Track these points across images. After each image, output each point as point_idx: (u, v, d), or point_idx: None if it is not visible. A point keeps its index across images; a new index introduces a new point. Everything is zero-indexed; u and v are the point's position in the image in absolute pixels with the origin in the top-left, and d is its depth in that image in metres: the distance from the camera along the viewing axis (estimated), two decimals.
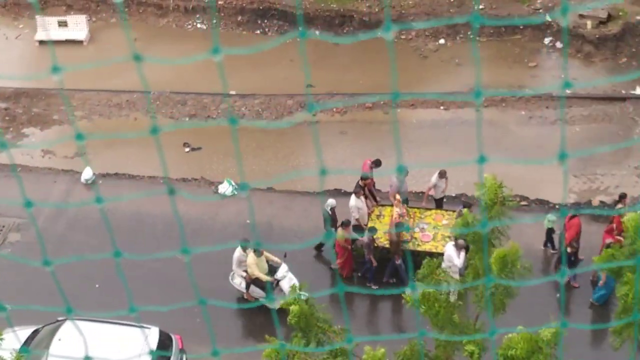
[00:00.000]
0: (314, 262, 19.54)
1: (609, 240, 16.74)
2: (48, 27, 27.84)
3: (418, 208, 19.54)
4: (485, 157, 3.79)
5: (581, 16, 25.24)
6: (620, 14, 25.47)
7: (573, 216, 17.67)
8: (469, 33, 26.31)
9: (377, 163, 19.53)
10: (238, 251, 18.02)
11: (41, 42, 27.82)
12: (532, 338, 10.72)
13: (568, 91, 23.68)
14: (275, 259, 18.00)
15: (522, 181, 19.47)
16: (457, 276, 15.96)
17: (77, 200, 21.62)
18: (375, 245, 18.44)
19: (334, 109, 24.02)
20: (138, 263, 18.41)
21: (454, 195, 20.41)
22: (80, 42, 27.70)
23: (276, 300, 15.79)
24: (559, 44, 25.62)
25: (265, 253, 17.82)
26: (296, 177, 22.20)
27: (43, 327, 16.90)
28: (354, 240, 18.51)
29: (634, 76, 23.94)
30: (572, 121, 22.85)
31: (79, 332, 16.14)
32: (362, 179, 19.20)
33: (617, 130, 22.53)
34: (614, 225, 17.20)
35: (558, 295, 18.14)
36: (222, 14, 28.25)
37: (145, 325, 16.41)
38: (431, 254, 16.31)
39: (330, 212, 18.73)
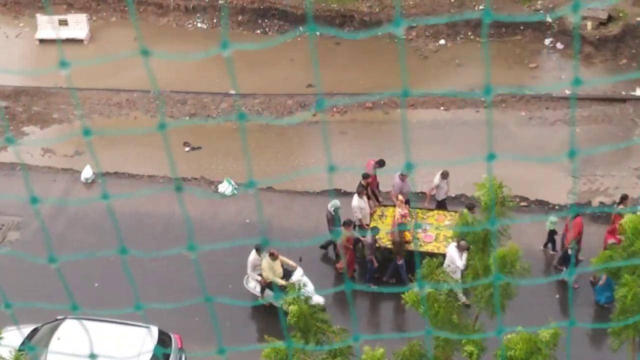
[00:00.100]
0: (318, 261, 19.52)
1: (611, 241, 16.70)
2: (48, 26, 27.83)
3: (420, 209, 19.55)
4: (495, 154, 3.74)
5: (582, 17, 25.23)
6: (621, 15, 25.47)
7: (575, 216, 17.69)
8: (469, 34, 26.31)
9: (380, 163, 19.51)
10: (253, 255, 17.84)
11: (41, 41, 27.81)
12: (531, 339, 10.74)
13: (567, 92, 23.70)
14: (291, 262, 17.87)
15: (521, 182, 19.47)
16: (458, 276, 16.00)
17: (77, 199, 21.63)
18: (378, 245, 18.44)
19: (334, 109, 24.03)
20: (137, 263, 18.40)
21: (453, 195, 20.41)
22: (81, 41, 27.69)
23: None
24: (559, 45, 25.62)
25: (281, 257, 17.69)
26: (301, 175, 22.18)
27: (42, 326, 16.91)
28: (356, 241, 18.51)
29: (634, 76, 23.93)
30: (572, 122, 22.87)
31: (79, 330, 16.19)
32: (363, 177, 19.16)
33: (617, 132, 22.52)
34: (617, 226, 17.17)
35: (557, 296, 18.16)
36: (223, 14, 28.24)
37: (144, 325, 16.43)
38: (433, 255, 16.33)
39: (333, 213, 18.70)
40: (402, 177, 19.13)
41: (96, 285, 19.04)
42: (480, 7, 26.44)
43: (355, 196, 18.85)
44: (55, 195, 21.82)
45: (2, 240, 20.85)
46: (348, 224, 18.14)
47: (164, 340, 16.50)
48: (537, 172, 20.85)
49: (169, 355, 16.55)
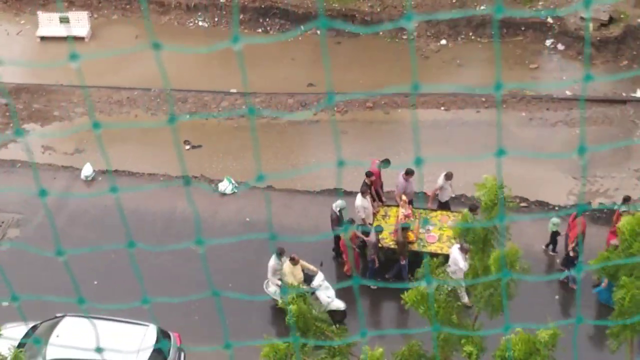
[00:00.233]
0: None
1: (614, 242, 16.67)
2: (49, 24, 27.83)
3: (424, 209, 19.53)
4: (504, 149, 3.71)
5: (582, 18, 25.23)
6: (622, 16, 25.47)
7: (577, 216, 17.68)
8: (470, 34, 26.32)
9: (386, 163, 19.47)
10: (273, 259, 17.70)
11: (42, 38, 27.81)
12: (530, 339, 10.74)
13: (568, 93, 23.70)
14: (312, 267, 17.77)
15: (522, 182, 19.48)
16: (461, 278, 15.97)
17: (76, 198, 21.64)
18: (381, 245, 18.42)
19: (335, 108, 24.04)
20: (139, 260, 18.33)
21: (453, 195, 20.41)
22: (82, 38, 27.68)
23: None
24: (560, 46, 25.62)
25: (301, 262, 17.58)
26: (301, 173, 22.14)
27: (41, 323, 16.91)
28: (360, 243, 18.50)
29: (633, 74, 23.89)
30: (573, 123, 22.85)
31: (78, 328, 16.19)
32: (367, 175, 19.10)
33: (618, 133, 22.52)
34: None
35: (557, 296, 18.17)
36: (224, 12, 28.26)
37: (143, 323, 16.45)
38: (436, 255, 16.33)
39: (338, 214, 18.65)
40: (406, 177, 19.07)
41: (95, 283, 19.04)
42: (482, 7, 26.44)
43: (359, 195, 18.76)
44: (55, 193, 21.82)
45: (2, 237, 20.85)
46: (351, 223, 18.13)
47: (163, 337, 16.52)
48: (537, 173, 20.86)
49: (168, 352, 16.57)
